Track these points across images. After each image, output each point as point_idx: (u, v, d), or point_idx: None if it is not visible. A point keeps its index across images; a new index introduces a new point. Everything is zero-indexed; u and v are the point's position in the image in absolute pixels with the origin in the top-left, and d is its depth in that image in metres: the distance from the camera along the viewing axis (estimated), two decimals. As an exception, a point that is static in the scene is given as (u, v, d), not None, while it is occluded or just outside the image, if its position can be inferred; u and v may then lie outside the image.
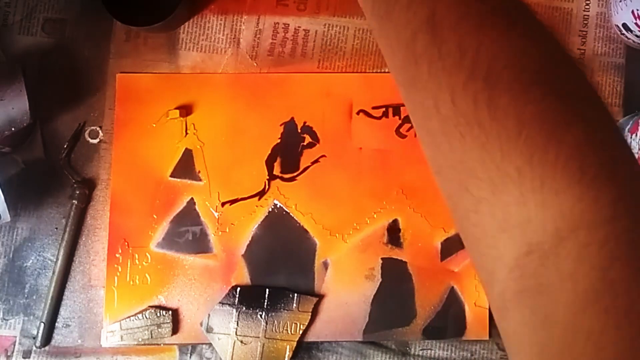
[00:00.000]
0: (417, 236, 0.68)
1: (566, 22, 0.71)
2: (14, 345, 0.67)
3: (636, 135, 0.63)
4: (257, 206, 0.68)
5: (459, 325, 0.68)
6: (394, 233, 0.68)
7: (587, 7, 0.71)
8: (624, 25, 0.67)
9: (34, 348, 0.67)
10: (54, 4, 0.70)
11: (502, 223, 0.34)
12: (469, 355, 0.68)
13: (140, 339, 0.66)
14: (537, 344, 0.32)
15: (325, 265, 0.68)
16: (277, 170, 0.69)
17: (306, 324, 0.66)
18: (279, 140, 0.69)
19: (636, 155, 0.62)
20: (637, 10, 0.64)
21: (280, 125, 0.69)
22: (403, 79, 0.36)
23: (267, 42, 0.70)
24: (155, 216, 0.68)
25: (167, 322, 0.66)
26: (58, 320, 0.68)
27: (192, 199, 0.68)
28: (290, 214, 0.68)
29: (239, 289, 0.67)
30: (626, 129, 0.65)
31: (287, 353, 0.66)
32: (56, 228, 0.68)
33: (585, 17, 0.71)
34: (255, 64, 0.70)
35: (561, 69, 0.35)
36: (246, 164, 0.69)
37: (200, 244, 0.68)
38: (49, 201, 0.68)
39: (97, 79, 0.70)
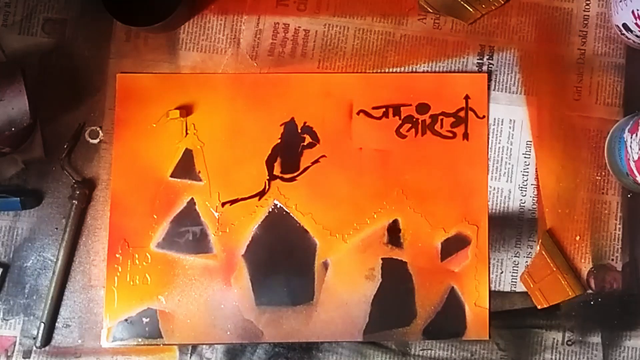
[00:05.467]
0: (417, 236, 0.68)
1: (566, 22, 0.71)
2: (14, 345, 0.67)
3: (636, 135, 0.63)
4: (257, 206, 0.68)
5: (459, 325, 0.68)
6: (394, 233, 0.68)
7: (587, 7, 0.71)
8: (624, 25, 0.67)
9: (34, 348, 0.67)
10: (54, 4, 0.70)
11: None
12: (469, 355, 0.68)
13: (140, 339, 0.66)
14: None
15: (325, 265, 0.68)
16: (277, 171, 0.69)
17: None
18: (279, 141, 0.69)
19: (636, 156, 0.62)
20: (637, 10, 0.64)
21: (281, 125, 0.69)
22: None
23: (267, 42, 0.70)
24: (155, 216, 0.68)
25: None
26: (58, 320, 0.68)
27: (192, 199, 0.68)
28: (291, 214, 0.68)
29: None
30: (626, 129, 0.65)
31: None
32: (56, 228, 0.68)
33: (586, 17, 0.71)
34: (255, 64, 0.70)
35: None
36: (246, 164, 0.69)
37: (200, 244, 0.68)
38: (49, 201, 0.68)
39: (97, 79, 0.70)
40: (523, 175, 0.70)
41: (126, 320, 0.67)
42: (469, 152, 0.69)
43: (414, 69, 0.70)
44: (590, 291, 0.69)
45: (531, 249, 0.69)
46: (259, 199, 0.68)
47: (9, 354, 0.67)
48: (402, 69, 0.70)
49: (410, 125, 0.69)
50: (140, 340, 0.67)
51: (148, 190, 0.68)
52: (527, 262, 0.69)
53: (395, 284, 0.68)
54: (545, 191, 0.69)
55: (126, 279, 0.67)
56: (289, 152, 0.69)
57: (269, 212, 0.68)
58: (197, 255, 0.68)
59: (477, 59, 0.70)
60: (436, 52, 0.70)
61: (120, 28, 0.70)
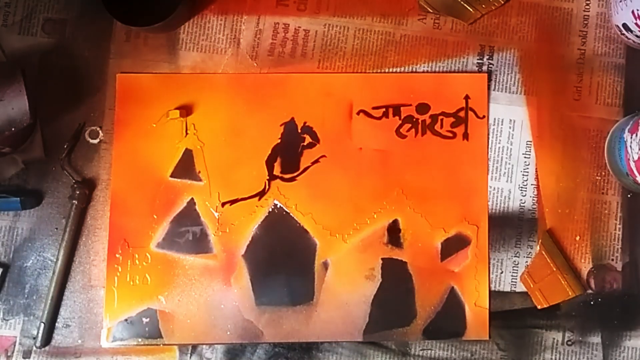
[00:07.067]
0: (417, 236, 0.68)
1: (566, 22, 0.71)
2: (14, 345, 0.67)
3: (636, 135, 0.63)
4: (257, 206, 0.68)
5: (459, 325, 0.68)
6: (394, 233, 0.68)
7: (587, 7, 0.71)
8: (624, 25, 0.67)
9: (34, 348, 0.67)
10: (54, 4, 0.70)
11: None
12: (469, 355, 0.68)
13: (140, 339, 0.66)
14: None
15: (325, 265, 0.68)
16: (277, 171, 0.69)
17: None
18: (279, 141, 0.69)
19: (636, 156, 0.62)
20: (637, 10, 0.64)
21: (281, 125, 0.69)
22: None
23: (267, 42, 0.70)
24: (155, 216, 0.68)
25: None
26: (58, 320, 0.68)
27: (192, 199, 0.68)
28: (291, 214, 0.68)
29: None
30: (626, 129, 0.65)
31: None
32: (56, 228, 0.68)
33: (586, 17, 0.71)
34: (255, 64, 0.70)
35: None
36: (246, 164, 0.69)
37: (200, 244, 0.68)
38: (49, 201, 0.68)
39: (97, 79, 0.70)
40: (523, 175, 0.70)
41: (126, 320, 0.67)
42: (469, 152, 0.69)
43: (414, 69, 0.70)
44: (590, 291, 0.69)
45: (531, 249, 0.69)
46: (259, 199, 0.68)
47: (9, 354, 0.67)
48: (402, 69, 0.70)
49: (410, 125, 0.69)
50: (140, 340, 0.67)
51: (148, 190, 0.68)
52: (527, 262, 0.69)
53: (395, 284, 0.68)
54: (545, 191, 0.69)
55: (126, 279, 0.67)
56: (289, 152, 0.69)
57: (269, 212, 0.68)
58: (197, 255, 0.68)
59: (477, 59, 0.70)
60: (436, 52, 0.70)
61: (120, 28, 0.70)
